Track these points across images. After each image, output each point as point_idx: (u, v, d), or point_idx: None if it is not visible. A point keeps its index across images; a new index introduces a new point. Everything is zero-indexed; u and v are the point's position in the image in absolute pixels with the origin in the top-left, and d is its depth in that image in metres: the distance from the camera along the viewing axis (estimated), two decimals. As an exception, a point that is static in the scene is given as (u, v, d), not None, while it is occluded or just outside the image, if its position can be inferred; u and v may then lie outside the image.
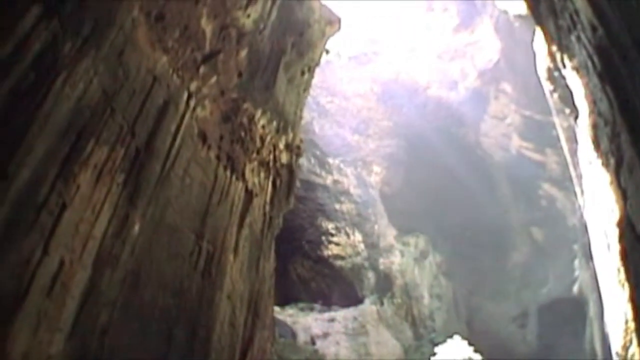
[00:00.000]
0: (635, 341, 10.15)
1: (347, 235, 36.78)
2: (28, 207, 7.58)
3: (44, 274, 7.70)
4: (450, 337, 29.58)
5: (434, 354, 27.68)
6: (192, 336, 10.56)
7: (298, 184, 17.83)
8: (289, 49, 15.28)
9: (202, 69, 11.94)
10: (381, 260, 37.21)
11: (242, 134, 13.76)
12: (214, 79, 12.32)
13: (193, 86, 11.80)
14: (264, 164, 14.77)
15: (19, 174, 7.40)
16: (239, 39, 12.83)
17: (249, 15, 12.99)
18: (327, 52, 18.77)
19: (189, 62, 11.57)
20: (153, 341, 9.69)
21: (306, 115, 17.69)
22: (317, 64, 17.72)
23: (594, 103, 10.78)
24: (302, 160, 18.51)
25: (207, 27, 11.82)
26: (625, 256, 10.19)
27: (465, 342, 27.58)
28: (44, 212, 7.82)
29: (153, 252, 10.21)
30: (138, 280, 9.67)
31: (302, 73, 16.53)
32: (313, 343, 30.07)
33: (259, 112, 14.20)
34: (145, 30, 10.26)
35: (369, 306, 34.66)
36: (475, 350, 26.69)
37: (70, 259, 8.24)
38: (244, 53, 13.14)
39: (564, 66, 12.46)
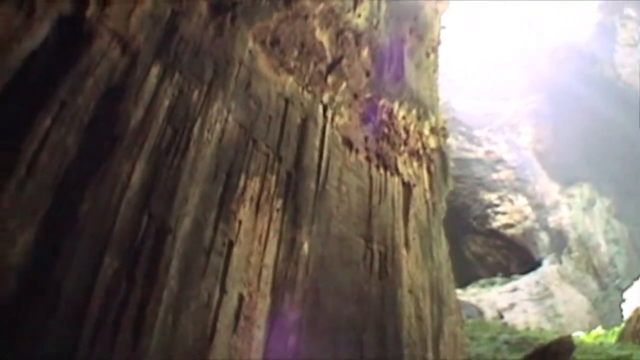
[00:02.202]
0: None
1: (511, 202, 34.92)
2: (197, 253, 7.44)
3: (227, 312, 7.54)
4: (636, 279, 26.83)
5: (623, 300, 25.14)
6: (381, 338, 9.97)
7: (452, 164, 16.77)
8: (407, 35, 14.38)
9: (329, 79, 11.38)
10: (550, 219, 34.98)
11: (386, 130, 13.03)
12: (344, 85, 11.73)
13: (326, 97, 11.29)
14: (414, 153, 13.92)
15: (181, 225, 7.27)
16: (357, 40, 12.15)
17: (359, 15, 12.28)
18: (444, 28, 17.51)
19: (316, 76, 11.07)
20: (344, 351, 9.22)
21: (442, 95, 16.58)
22: (439, 42, 16.63)
23: None
24: (450, 140, 17.45)
25: (323, 37, 11.27)
26: None
27: (653, 281, 24.80)
28: (212, 254, 7.66)
29: (326, 266, 9.74)
30: (318, 296, 9.23)
31: (427, 55, 15.54)
32: (501, 317, 28.63)
33: (396, 105, 13.40)
34: (264, 58, 9.92)
35: (548, 267, 32.61)
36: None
37: (248, 292, 8.03)
38: (365, 52, 12.43)
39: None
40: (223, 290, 7.55)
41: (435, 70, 16.31)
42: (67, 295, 5.72)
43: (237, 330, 7.55)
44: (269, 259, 8.61)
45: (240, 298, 7.82)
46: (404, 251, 11.74)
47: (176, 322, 6.68)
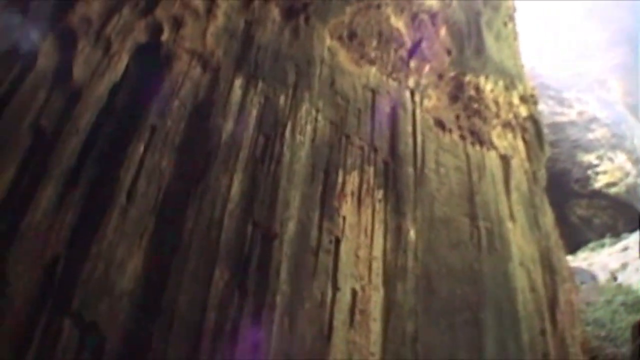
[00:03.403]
0: None
1: (611, 160, 32.39)
2: (305, 254, 7.09)
3: (341, 308, 7.11)
4: None
5: None
6: (498, 314, 9.26)
7: (546, 130, 15.54)
8: (482, 8, 13.44)
9: (412, 64, 10.76)
10: (652, 171, 32.18)
11: (475, 105, 12.20)
12: (427, 68, 11.06)
13: (411, 82, 10.67)
14: (507, 125, 12.98)
15: (286, 229, 6.96)
16: (433, 21, 11.42)
17: (431, -4, 11.56)
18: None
19: (398, 63, 10.48)
20: (463, 333, 8.57)
21: (526, 61, 15.39)
22: (515, 9, 15.51)
23: None
24: (541, 106, 16.18)
25: (399, 23, 10.64)
26: None
27: None
28: (321, 253, 7.28)
29: (435, 249, 9.13)
30: (430, 281, 8.66)
31: (505, 24, 14.47)
32: (615, 279, 26.44)
33: (482, 79, 12.53)
34: (344, 53, 9.46)
35: (656, 221, 29.82)
36: None
37: (360, 286, 7.57)
38: (443, 31, 11.67)
39: None
40: (335, 287, 7.14)
41: (515, 39, 15.19)
42: (182, 312, 5.53)
43: (354, 325, 7.11)
44: (377, 251, 8.11)
45: (353, 293, 7.37)
46: (509, 224, 10.89)
47: (292, 324, 6.35)
